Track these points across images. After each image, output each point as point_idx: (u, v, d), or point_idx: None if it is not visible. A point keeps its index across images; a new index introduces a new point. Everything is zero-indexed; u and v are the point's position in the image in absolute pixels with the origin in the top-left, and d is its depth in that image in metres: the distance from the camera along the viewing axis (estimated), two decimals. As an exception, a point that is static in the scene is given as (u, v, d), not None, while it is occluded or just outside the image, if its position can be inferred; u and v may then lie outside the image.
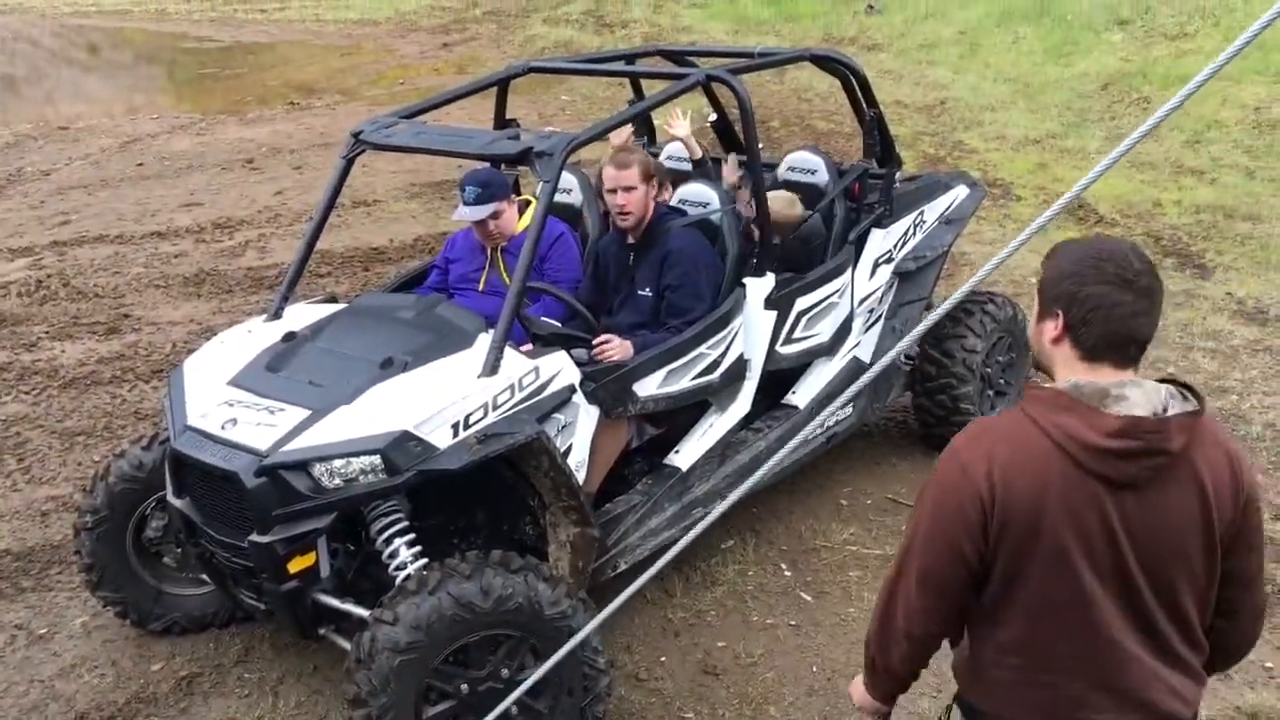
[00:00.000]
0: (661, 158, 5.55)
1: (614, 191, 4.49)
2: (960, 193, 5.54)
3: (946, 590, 2.15)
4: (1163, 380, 2.09)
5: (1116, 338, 2.06)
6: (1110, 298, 2.04)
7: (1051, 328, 2.11)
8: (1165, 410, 2.03)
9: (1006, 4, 15.24)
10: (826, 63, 5.17)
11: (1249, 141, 10.35)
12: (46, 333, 7.33)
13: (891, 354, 2.29)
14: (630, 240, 4.63)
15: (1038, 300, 2.16)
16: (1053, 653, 2.13)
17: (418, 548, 3.68)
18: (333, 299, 4.62)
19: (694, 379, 4.29)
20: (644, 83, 5.79)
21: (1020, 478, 2.05)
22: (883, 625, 2.28)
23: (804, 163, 5.28)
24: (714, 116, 5.90)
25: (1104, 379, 2.06)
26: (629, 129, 5.46)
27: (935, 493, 2.16)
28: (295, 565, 3.54)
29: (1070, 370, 2.10)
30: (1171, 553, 2.08)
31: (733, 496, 2.71)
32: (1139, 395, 2.04)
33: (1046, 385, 2.10)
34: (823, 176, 5.21)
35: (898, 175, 5.26)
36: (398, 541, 3.68)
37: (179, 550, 4.28)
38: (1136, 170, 9.95)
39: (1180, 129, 10.70)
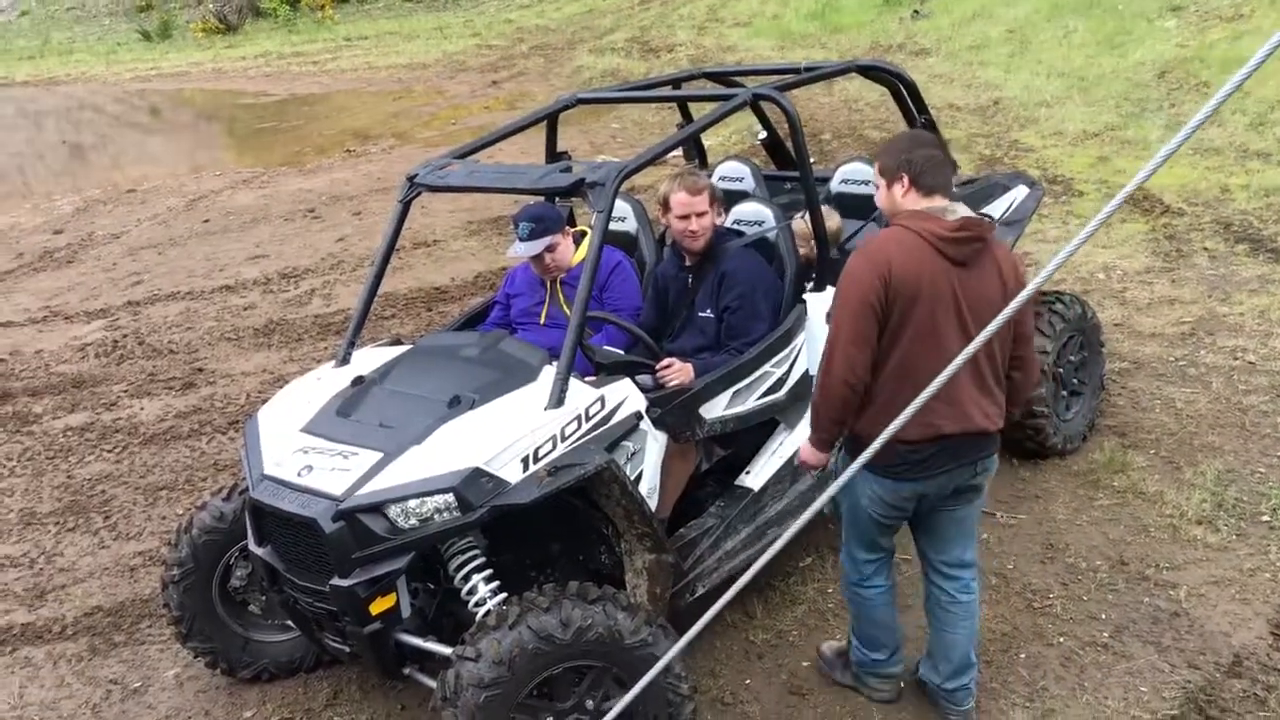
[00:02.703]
0: (714, 178, 5.54)
1: (686, 217, 4.51)
2: (1019, 193, 5.47)
3: (867, 339, 3.32)
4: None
5: (941, 177, 3.40)
6: (931, 157, 3.39)
7: (900, 187, 3.40)
8: None
9: (1054, -2, 15.07)
10: (874, 72, 5.14)
11: (1316, 119, 10.08)
12: (125, 391, 7.52)
13: (959, 360, 2.28)
14: (688, 263, 4.64)
15: (882, 175, 3.44)
16: (916, 374, 3.28)
17: (496, 583, 3.70)
18: (398, 341, 4.68)
19: (760, 398, 4.27)
20: (692, 105, 5.80)
21: (904, 260, 3.29)
22: (825, 381, 3.40)
23: (857, 174, 5.25)
24: (763, 134, 5.90)
25: (939, 204, 3.37)
26: None
27: (853, 278, 3.33)
28: (377, 607, 3.57)
29: (919, 206, 3.36)
30: (987, 309, 3.29)
31: (812, 509, 2.68)
32: (963, 209, 3.39)
33: (903, 216, 3.36)
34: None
35: (954, 179, 5.20)
36: (475, 578, 3.70)
37: (264, 598, 4.35)
38: (1201, 157, 9.74)
39: (1243, 112, 10.45)
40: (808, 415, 4.47)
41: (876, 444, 2.51)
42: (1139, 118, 11.09)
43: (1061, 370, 5.38)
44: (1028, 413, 5.25)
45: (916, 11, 16.61)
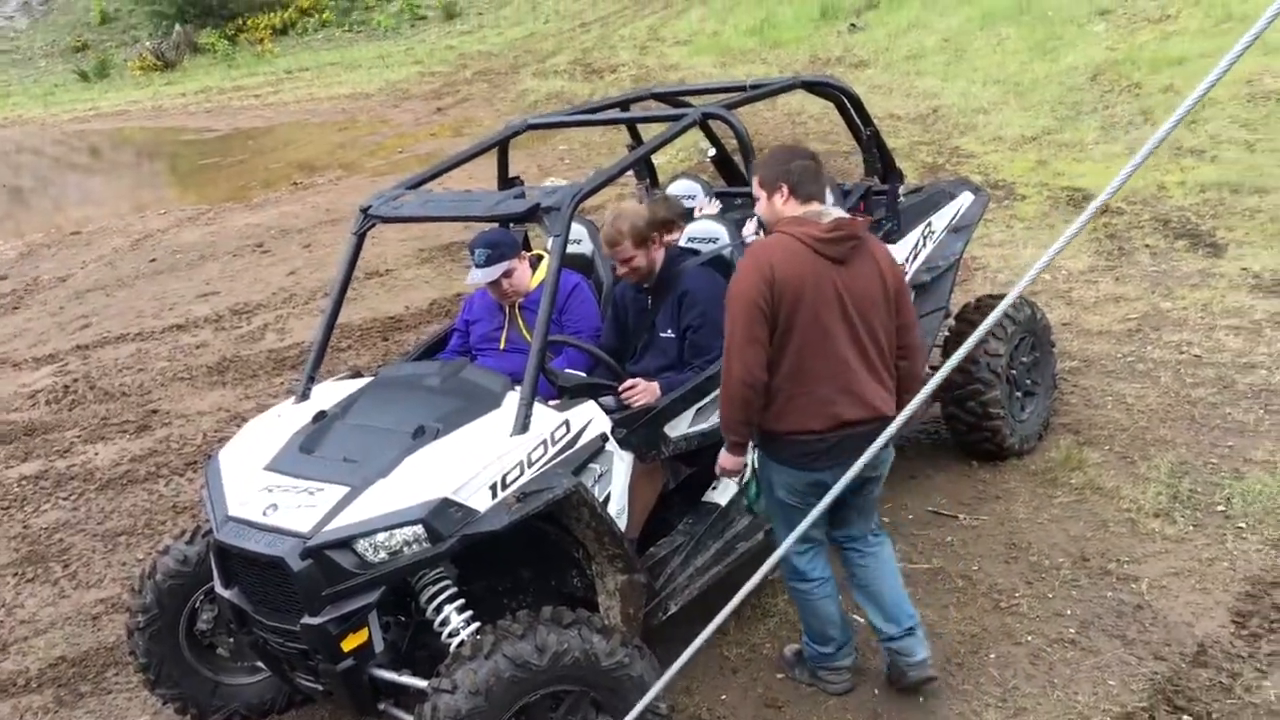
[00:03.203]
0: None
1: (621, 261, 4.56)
2: (965, 199, 5.56)
3: (759, 339, 3.57)
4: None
5: (817, 186, 3.73)
6: (806, 167, 3.71)
7: (780, 197, 3.71)
8: None
9: (986, 7, 15.34)
10: (819, 88, 5.22)
11: (1245, 115, 10.33)
12: (78, 437, 7.41)
13: (953, 361, 2.35)
14: (646, 284, 4.67)
15: (763, 188, 3.74)
16: (811, 371, 3.61)
17: (468, 612, 3.70)
18: (358, 374, 4.66)
19: (723, 414, 4.30)
20: (642, 126, 5.85)
21: (786, 265, 3.57)
22: (727, 385, 3.64)
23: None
24: (713, 151, 5.96)
25: (815, 209, 3.69)
26: None
27: (740, 284, 3.61)
28: (349, 643, 3.55)
29: (799, 213, 3.66)
30: (870, 304, 3.66)
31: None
32: (836, 212, 3.72)
33: (783, 223, 3.65)
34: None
35: (901, 189, 5.29)
36: (448, 608, 3.69)
37: (232, 640, 4.30)
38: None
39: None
40: (721, 453, 4.55)
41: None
42: (1074, 120, 11.31)
43: (1015, 372, 5.48)
44: (984, 414, 5.33)
45: (853, 24, 16.84)
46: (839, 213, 3.73)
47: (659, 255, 4.58)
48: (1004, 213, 9.23)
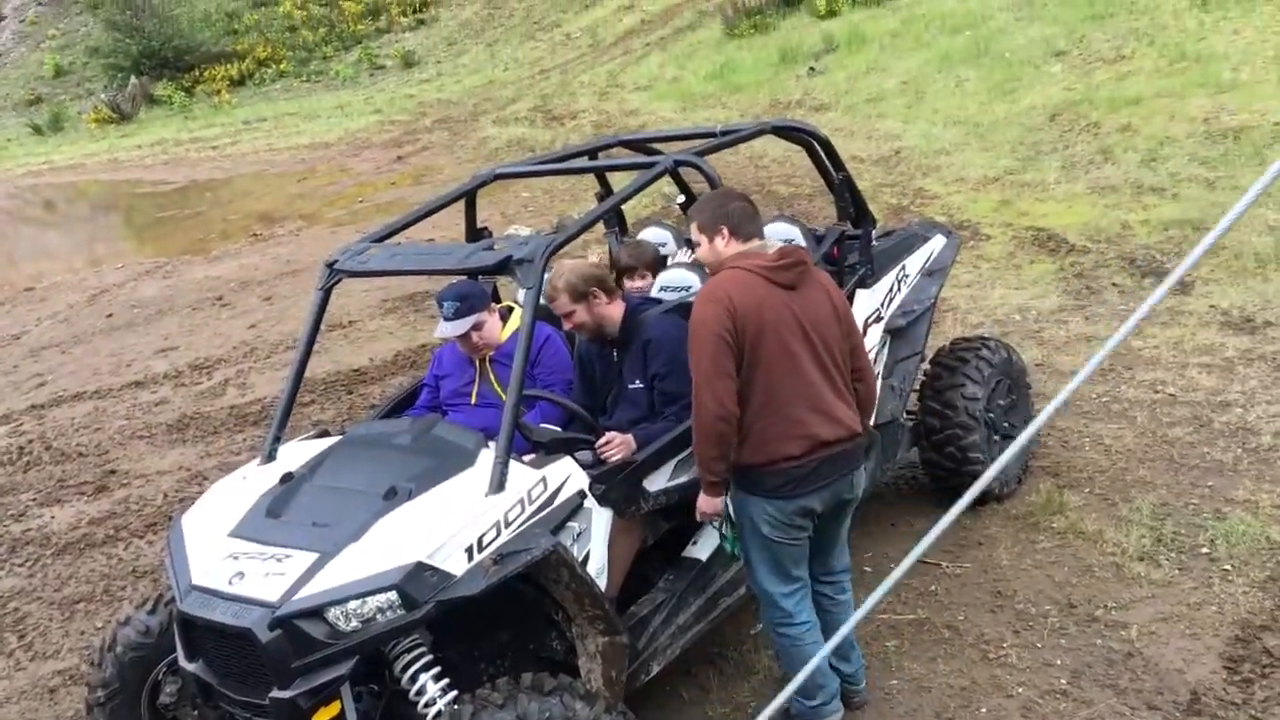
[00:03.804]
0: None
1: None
2: (938, 243, 5.53)
3: (727, 371, 3.59)
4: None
5: (755, 226, 3.85)
6: (744, 208, 3.82)
7: (721, 239, 3.79)
8: None
9: (944, 50, 15.50)
10: (789, 133, 5.19)
11: (1203, 153, 10.45)
12: (34, 499, 7.18)
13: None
14: (610, 338, 4.58)
15: (703, 233, 3.82)
16: (782, 394, 3.66)
17: (445, 680, 3.55)
18: (325, 433, 4.52)
19: (703, 467, 4.20)
20: (611, 174, 5.78)
21: (743, 296, 3.63)
22: (700, 423, 3.64)
23: (781, 233, 5.25)
24: (682, 199, 5.90)
25: (756, 245, 3.79)
26: None
27: (700, 319, 3.64)
28: (321, 717, 3.40)
29: (740, 251, 3.75)
30: (826, 326, 3.75)
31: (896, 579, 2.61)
32: (778, 242, 3.91)
33: (731, 258, 3.74)
34: (800, 244, 5.18)
35: (874, 233, 5.25)
36: (423, 677, 3.55)
37: (197, 714, 4.11)
38: (1099, 195, 10.03)
39: (1134, 149, 10.81)
40: (700, 498, 4.47)
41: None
42: (1035, 160, 11.40)
43: (992, 415, 5.42)
44: (963, 459, 5.27)
45: (812, 68, 16.96)
46: (780, 243, 3.91)
47: (609, 310, 4.47)
48: (970, 253, 9.24)
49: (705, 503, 3.84)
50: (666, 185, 10.62)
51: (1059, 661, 4.33)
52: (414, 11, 30.25)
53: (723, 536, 4.00)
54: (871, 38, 17.05)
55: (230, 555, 3.63)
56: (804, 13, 19.78)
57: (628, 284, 4.96)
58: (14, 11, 36.14)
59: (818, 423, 3.71)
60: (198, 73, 29.53)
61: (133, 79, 29.03)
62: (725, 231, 3.78)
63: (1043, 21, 15.13)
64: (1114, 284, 8.13)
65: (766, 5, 20.25)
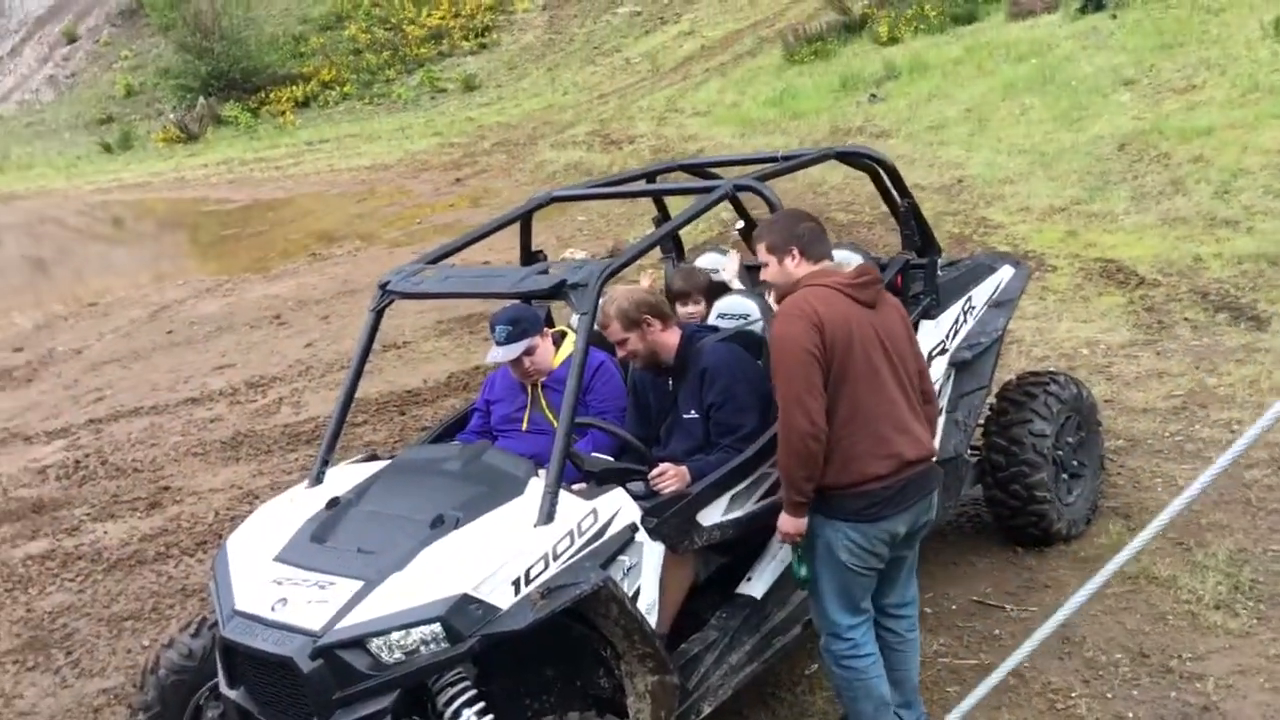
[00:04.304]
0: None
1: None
2: (1006, 273, 5.36)
3: (817, 387, 3.51)
4: None
5: (826, 247, 3.80)
6: (813, 229, 3.78)
7: (792, 260, 3.73)
8: None
9: (1008, 77, 15.27)
10: (853, 159, 5.06)
11: (1278, 186, 10.15)
12: (87, 514, 7.21)
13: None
14: (665, 366, 4.46)
15: (772, 253, 3.75)
16: (869, 411, 3.58)
17: (489, 716, 3.44)
18: (374, 456, 4.45)
19: (759, 501, 4.06)
20: (668, 198, 5.69)
21: (829, 312, 3.57)
22: (791, 441, 3.54)
23: (845, 260, 5.12)
24: (741, 224, 5.79)
25: (829, 265, 3.77)
26: None
27: (787, 335, 3.56)
28: (361, 751, 3.30)
29: (812, 270, 3.71)
30: (902, 346, 3.73)
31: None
32: (855, 260, 4.09)
33: (809, 277, 3.69)
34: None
35: (939, 262, 5.09)
36: (467, 712, 3.43)
37: (237, 741, 4.04)
38: (1169, 227, 9.76)
39: (1206, 181, 10.52)
40: (780, 518, 4.31)
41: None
42: (1103, 191, 11.14)
43: (1061, 453, 5.23)
44: (1030, 498, 5.09)
45: (873, 95, 16.80)
46: (857, 260, 3.91)
47: (663, 338, 4.36)
48: (1035, 285, 8.99)
49: (789, 523, 3.70)
50: (724, 211, 10.52)
51: (1131, 714, 4.12)
52: (476, 36, 30.51)
53: (797, 560, 3.80)
54: (934, 65, 16.86)
55: (274, 580, 3.56)
56: (865, 39, 19.65)
57: (680, 310, 4.84)
58: (88, 33, 37.03)
59: (902, 441, 3.65)
60: (264, 94, 30.00)
61: (201, 99, 29.57)
62: (796, 252, 3.72)
63: (1110, 50, 14.86)
64: (1186, 318, 7.87)
65: (828, 32, 20.15)
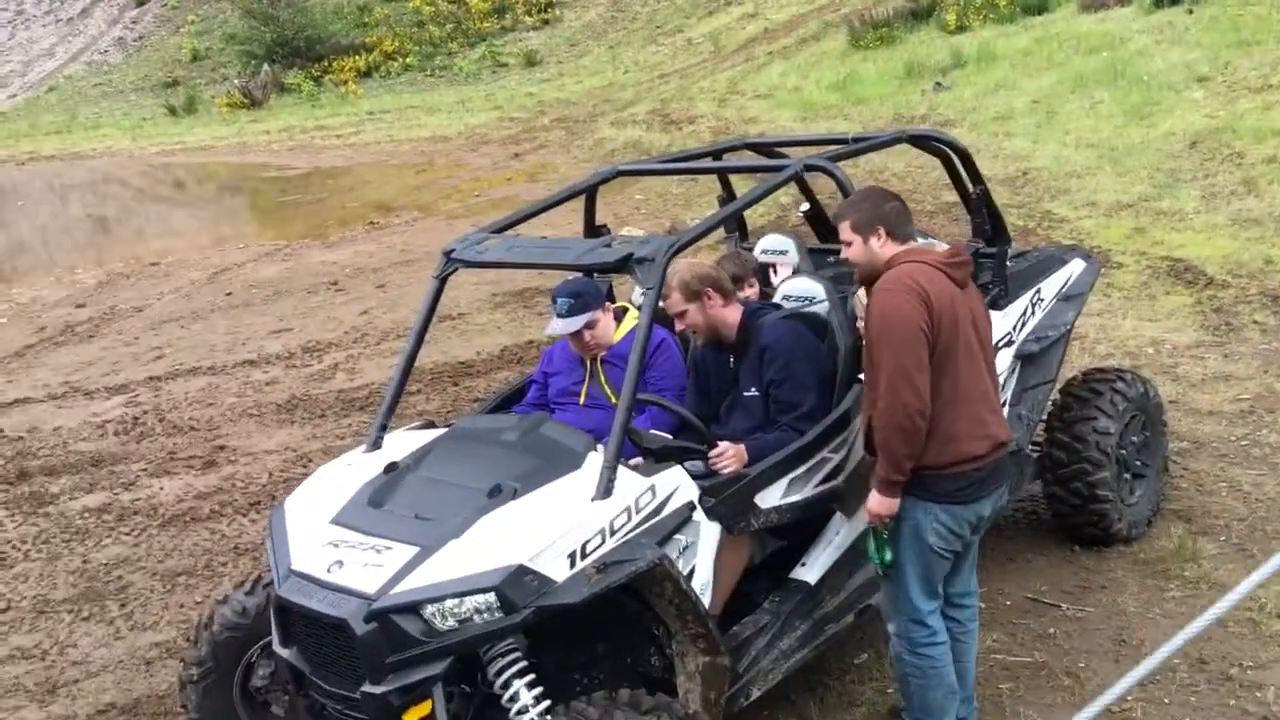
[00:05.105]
0: (756, 251, 5.36)
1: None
2: (1076, 266, 5.25)
3: (925, 364, 3.45)
4: None
5: (911, 226, 3.72)
6: (899, 209, 3.69)
7: (877, 240, 3.62)
8: None
9: (1078, 70, 14.97)
10: (925, 142, 4.97)
11: (1356, 188, 9.88)
12: (144, 470, 7.31)
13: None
14: (726, 344, 4.42)
15: (857, 231, 3.64)
16: (967, 391, 3.53)
17: (539, 689, 3.43)
18: (431, 424, 4.46)
19: (818, 486, 4.02)
20: (735, 176, 5.63)
21: (932, 286, 3.49)
22: (896, 417, 3.43)
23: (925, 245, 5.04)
24: (806, 206, 5.73)
25: (917, 246, 3.70)
26: None
27: (895, 310, 3.47)
28: (411, 716, 3.31)
29: (898, 251, 3.61)
30: (987, 328, 3.73)
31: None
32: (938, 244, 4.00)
33: (903, 254, 3.60)
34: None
35: (1009, 253, 4.99)
36: (517, 683, 3.43)
37: (287, 699, 4.07)
38: (1240, 227, 9.53)
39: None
40: (871, 497, 4.24)
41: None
42: (1173, 188, 10.90)
43: (1125, 452, 5.12)
44: (1091, 496, 4.99)
45: (939, 83, 16.55)
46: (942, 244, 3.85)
47: (724, 313, 4.32)
48: (1100, 281, 8.79)
49: (881, 504, 3.60)
50: (784, 194, 10.42)
51: (1188, 720, 4.04)
52: (539, 11, 30.53)
53: (880, 543, 3.69)
54: (1002, 55, 16.57)
55: (330, 543, 3.57)
56: (933, 27, 19.35)
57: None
58: (157, -4, 37.46)
59: (994, 422, 3.64)
60: (327, 63, 30.22)
61: (265, 66, 29.84)
62: (882, 232, 3.63)
63: (1184, 46, 14.51)
64: (1255, 321, 7.69)
65: (894, 18, 19.86)
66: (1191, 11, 15.60)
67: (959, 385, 3.52)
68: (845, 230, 3.70)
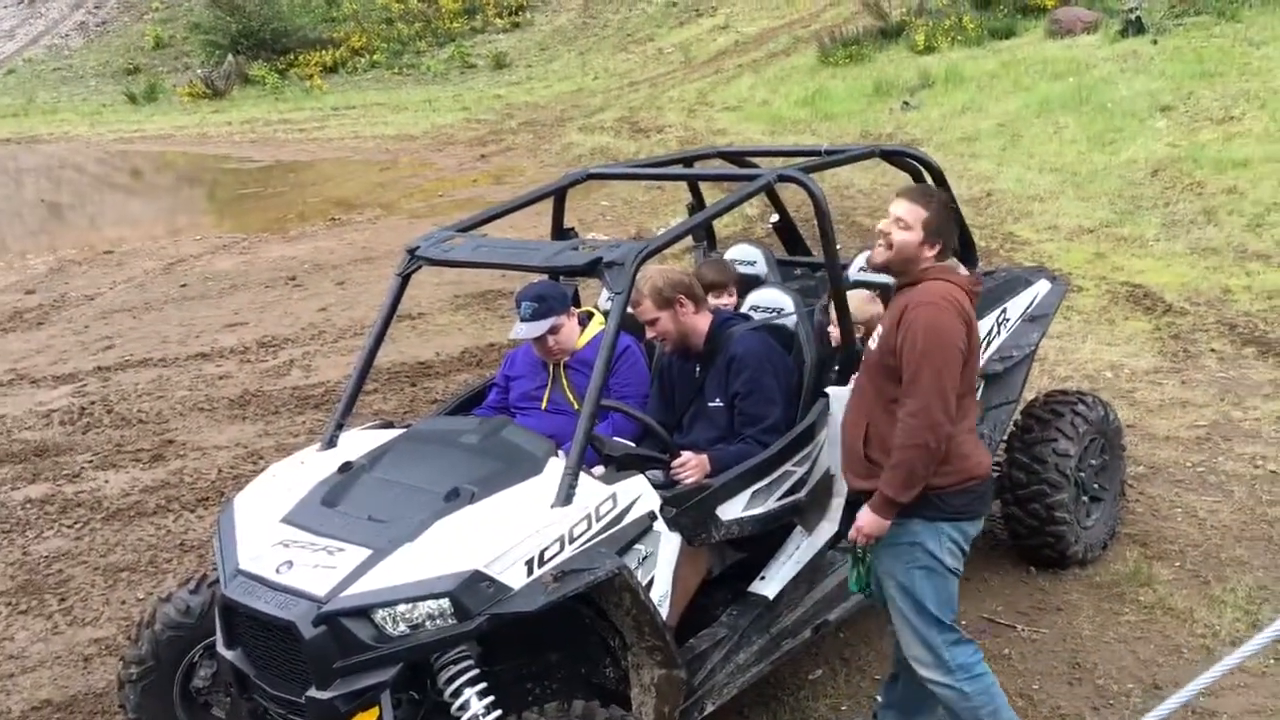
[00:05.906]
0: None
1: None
2: (1042, 287, 5.27)
3: (959, 387, 3.43)
4: None
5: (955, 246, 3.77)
6: (954, 231, 3.69)
7: (930, 249, 3.50)
8: None
9: (1044, 95, 15.13)
10: (898, 158, 4.96)
11: (1313, 221, 10.01)
12: (89, 462, 7.13)
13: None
14: (693, 352, 4.37)
15: (925, 231, 3.48)
16: (969, 411, 3.55)
17: (490, 698, 3.35)
18: (389, 424, 4.36)
19: (780, 499, 3.97)
20: (707, 186, 5.59)
21: (971, 313, 3.48)
22: (926, 436, 3.34)
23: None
24: (775, 217, 5.71)
25: (953, 263, 3.76)
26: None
27: (945, 327, 3.40)
28: (357, 723, 3.22)
29: (940, 264, 3.55)
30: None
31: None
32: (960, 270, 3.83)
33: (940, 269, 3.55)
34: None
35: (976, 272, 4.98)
36: (468, 692, 3.35)
37: (229, 702, 3.96)
38: (1200, 256, 9.63)
39: (1239, 213, 10.40)
40: (827, 517, 4.20)
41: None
42: (1134, 215, 11.01)
43: (1083, 474, 5.12)
44: (1048, 518, 4.99)
45: (906, 103, 16.67)
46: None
47: (694, 321, 4.28)
48: (1061, 303, 8.88)
49: (874, 523, 3.46)
50: (750, 205, 10.40)
51: (1140, 746, 4.03)
52: (509, 14, 30.46)
53: (863, 569, 3.63)
54: (969, 77, 16.73)
55: (280, 542, 3.48)
56: (902, 46, 19.52)
57: (712, 301, 4.75)
58: (122, -18, 36.97)
59: (985, 448, 3.73)
60: (293, 56, 29.95)
61: (229, 57, 29.52)
62: (941, 246, 3.54)
63: (1149, 75, 14.71)
64: (1213, 349, 7.76)
65: (864, 36, 20.03)
66: (1156, 42, 15.84)
67: (967, 407, 3.56)
68: (915, 225, 3.48)
